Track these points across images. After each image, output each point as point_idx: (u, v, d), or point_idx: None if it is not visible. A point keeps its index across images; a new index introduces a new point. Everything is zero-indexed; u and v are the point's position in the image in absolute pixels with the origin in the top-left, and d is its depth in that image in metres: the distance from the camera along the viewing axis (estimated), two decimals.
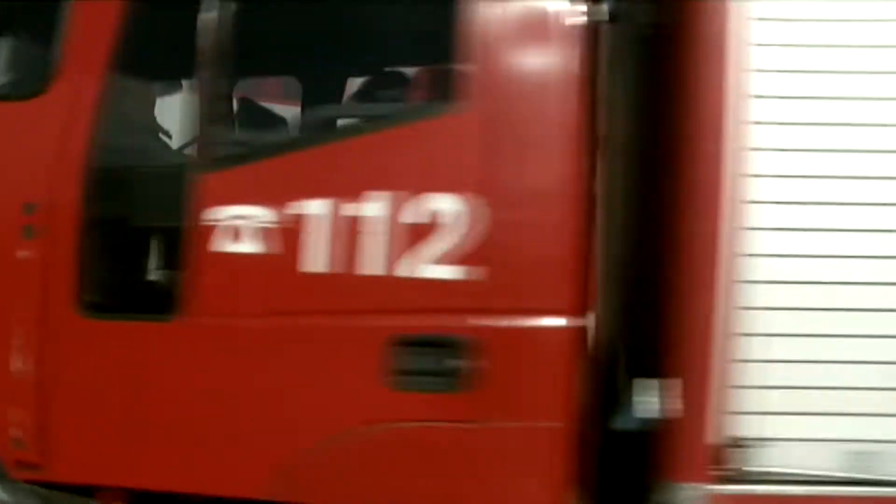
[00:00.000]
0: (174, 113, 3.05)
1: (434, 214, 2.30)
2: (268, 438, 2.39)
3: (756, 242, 2.15)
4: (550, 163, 2.31)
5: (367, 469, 2.37)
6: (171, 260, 2.47)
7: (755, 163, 2.16)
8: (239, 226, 2.37)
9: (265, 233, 2.37)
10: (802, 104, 2.18)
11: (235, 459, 2.40)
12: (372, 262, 2.32)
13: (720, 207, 2.15)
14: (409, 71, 2.70)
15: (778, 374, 2.15)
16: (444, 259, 2.30)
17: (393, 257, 2.32)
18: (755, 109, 2.16)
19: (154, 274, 2.54)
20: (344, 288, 2.35)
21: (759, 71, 2.17)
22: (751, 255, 2.15)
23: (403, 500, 2.38)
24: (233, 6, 2.39)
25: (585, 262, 2.33)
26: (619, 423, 2.33)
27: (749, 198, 2.15)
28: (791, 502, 2.16)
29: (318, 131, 2.63)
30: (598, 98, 2.37)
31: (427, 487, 2.36)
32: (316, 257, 2.34)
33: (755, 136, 2.16)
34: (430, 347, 2.30)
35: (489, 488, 2.34)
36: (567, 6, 2.33)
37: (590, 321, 2.33)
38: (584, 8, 2.35)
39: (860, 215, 2.17)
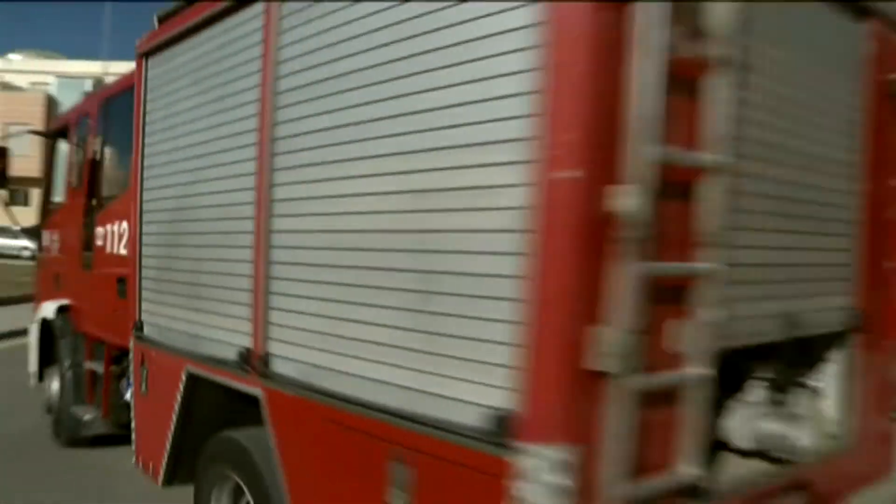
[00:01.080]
0: None
1: (126, 231, 5.88)
2: (100, 309, 6.35)
3: None
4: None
5: (103, 315, 6.10)
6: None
7: None
8: (98, 233, 6.37)
9: (103, 238, 6.30)
10: None
11: (110, 319, 6.42)
12: (116, 248, 6.03)
13: None
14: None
15: None
16: (123, 247, 5.86)
17: (117, 246, 5.98)
18: None
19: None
20: (112, 258, 6.10)
21: None
22: None
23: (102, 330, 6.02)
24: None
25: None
26: None
27: None
28: None
29: (106, 200, 6.41)
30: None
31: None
32: (110, 247, 6.17)
33: None
34: (123, 283, 5.89)
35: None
36: None
37: None
38: None
39: None
